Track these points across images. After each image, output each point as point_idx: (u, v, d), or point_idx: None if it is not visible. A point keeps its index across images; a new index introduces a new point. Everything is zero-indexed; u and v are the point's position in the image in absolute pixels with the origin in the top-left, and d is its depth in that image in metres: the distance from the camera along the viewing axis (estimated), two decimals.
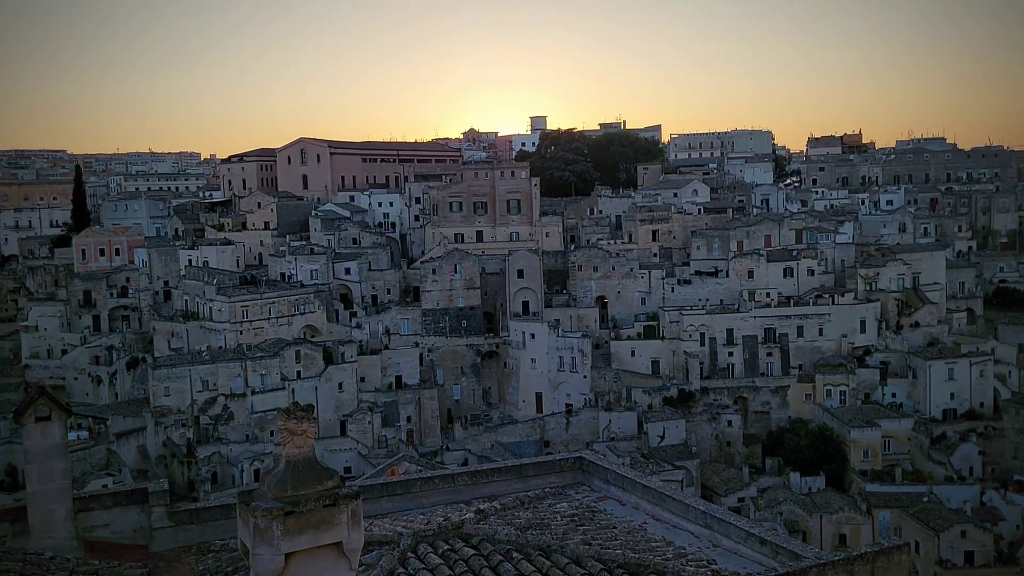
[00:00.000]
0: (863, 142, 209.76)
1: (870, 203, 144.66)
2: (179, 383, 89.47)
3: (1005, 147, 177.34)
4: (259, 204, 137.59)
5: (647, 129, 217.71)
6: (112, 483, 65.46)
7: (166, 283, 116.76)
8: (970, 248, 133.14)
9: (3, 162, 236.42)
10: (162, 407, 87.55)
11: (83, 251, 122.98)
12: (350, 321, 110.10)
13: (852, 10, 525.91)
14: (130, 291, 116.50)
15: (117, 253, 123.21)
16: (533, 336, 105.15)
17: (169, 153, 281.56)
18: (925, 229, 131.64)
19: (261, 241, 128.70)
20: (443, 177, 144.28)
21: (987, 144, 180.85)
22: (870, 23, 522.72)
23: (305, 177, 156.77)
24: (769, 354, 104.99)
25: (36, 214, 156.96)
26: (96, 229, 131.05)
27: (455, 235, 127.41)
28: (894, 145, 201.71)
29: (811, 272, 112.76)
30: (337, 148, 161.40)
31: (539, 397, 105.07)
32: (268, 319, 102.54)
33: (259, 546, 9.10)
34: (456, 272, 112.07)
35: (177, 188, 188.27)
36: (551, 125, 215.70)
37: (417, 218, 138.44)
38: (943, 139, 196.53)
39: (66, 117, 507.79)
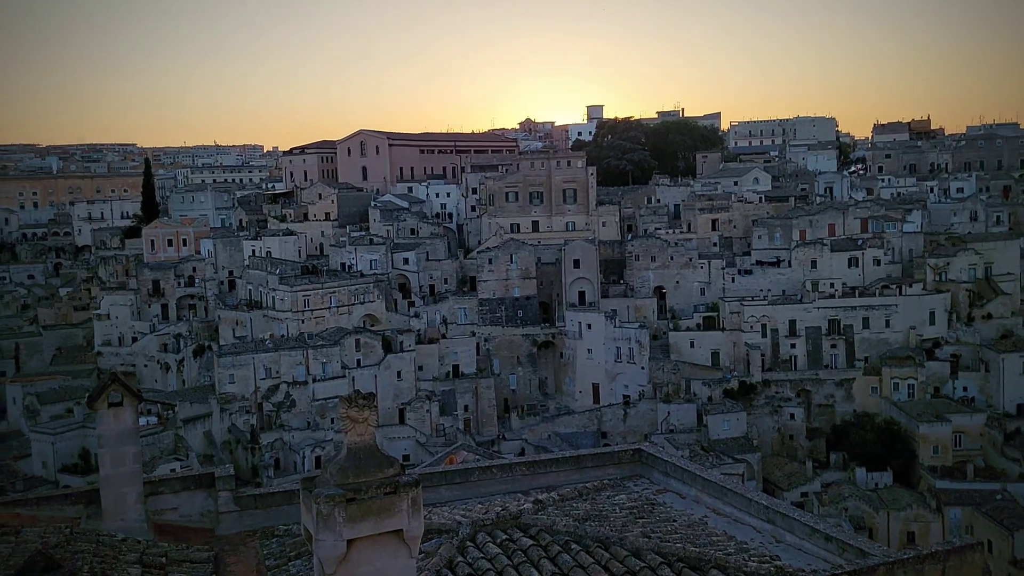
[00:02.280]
0: (932, 128, 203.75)
1: (939, 191, 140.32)
2: (243, 371, 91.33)
3: None
4: (320, 195, 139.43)
5: (706, 117, 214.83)
6: (179, 468, 67.28)
7: (231, 273, 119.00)
8: None
9: (77, 156, 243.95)
10: (227, 394, 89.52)
11: (152, 242, 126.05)
12: (408, 310, 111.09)
13: None
14: (196, 281, 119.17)
15: (184, 244, 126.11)
16: (590, 326, 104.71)
17: (233, 146, 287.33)
18: (997, 217, 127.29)
19: (322, 232, 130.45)
20: (499, 167, 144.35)
21: None
22: (939, 5, 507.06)
23: (364, 168, 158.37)
24: (833, 346, 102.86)
25: (108, 206, 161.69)
26: (164, 220, 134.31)
27: (511, 225, 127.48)
28: (964, 131, 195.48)
29: (877, 262, 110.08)
30: (395, 140, 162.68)
31: (596, 388, 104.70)
32: (329, 308, 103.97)
33: (322, 532, 9.21)
34: (512, 262, 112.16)
35: (241, 180, 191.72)
36: (608, 114, 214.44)
37: (474, 208, 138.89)
38: (1016, 124, 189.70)
39: (136, 112, 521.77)
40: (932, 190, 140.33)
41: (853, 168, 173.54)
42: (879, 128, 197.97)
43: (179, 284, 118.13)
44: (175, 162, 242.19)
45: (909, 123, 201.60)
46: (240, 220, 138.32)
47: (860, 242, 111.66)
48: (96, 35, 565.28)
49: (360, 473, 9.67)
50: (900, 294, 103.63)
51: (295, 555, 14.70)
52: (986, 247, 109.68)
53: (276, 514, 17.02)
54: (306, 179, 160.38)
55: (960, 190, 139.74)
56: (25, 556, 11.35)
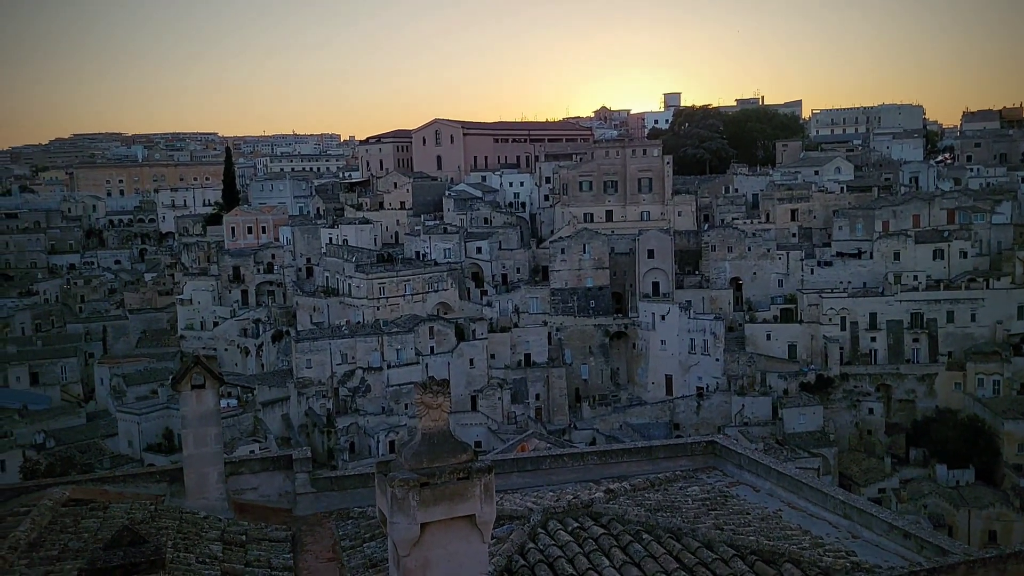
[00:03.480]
0: None
1: None
2: (320, 356, 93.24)
3: None
4: (395, 184, 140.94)
5: (787, 105, 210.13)
6: (258, 449, 69.09)
7: (308, 260, 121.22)
8: None
9: (161, 145, 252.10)
10: (304, 378, 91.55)
11: (232, 229, 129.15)
12: (481, 299, 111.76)
13: None
14: (275, 267, 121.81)
15: (263, 231, 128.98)
16: (663, 317, 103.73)
17: (311, 135, 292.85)
18: None
19: (397, 220, 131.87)
20: (573, 156, 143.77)
21: None
22: None
23: (439, 158, 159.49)
24: (915, 340, 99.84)
25: (190, 193, 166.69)
26: (244, 208, 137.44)
27: (585, 215, 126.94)
28: None
29: (964, 254, 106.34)
30: (470, 129, 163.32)
31: (669, 379, 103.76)
32: (403, 296, 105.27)
33: (396, 515, 9.37)
34: (585, 252, 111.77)
35: (318, 169, 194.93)
36: (685, 102, 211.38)
37: (547, 198, 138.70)
38: None
39: (217, 101, 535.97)
40: (1023, 180, 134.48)
41: (940, 157, 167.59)
42: (968, 116, 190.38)
43: (258, 270, 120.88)
44: (255, 151, 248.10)
45: (1000, 110, 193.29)
46: (317, 208, 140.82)
47: (946, 234, 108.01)
48: (180, 27, 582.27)
49: (434, 458, 9.81)
50: (987, 287, 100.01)
51: (369, 537, 15.02)
52: None
53: (352, 496, 17.42)
54: (382, 168, 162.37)
55: None
56: (112, 531, 11.90)
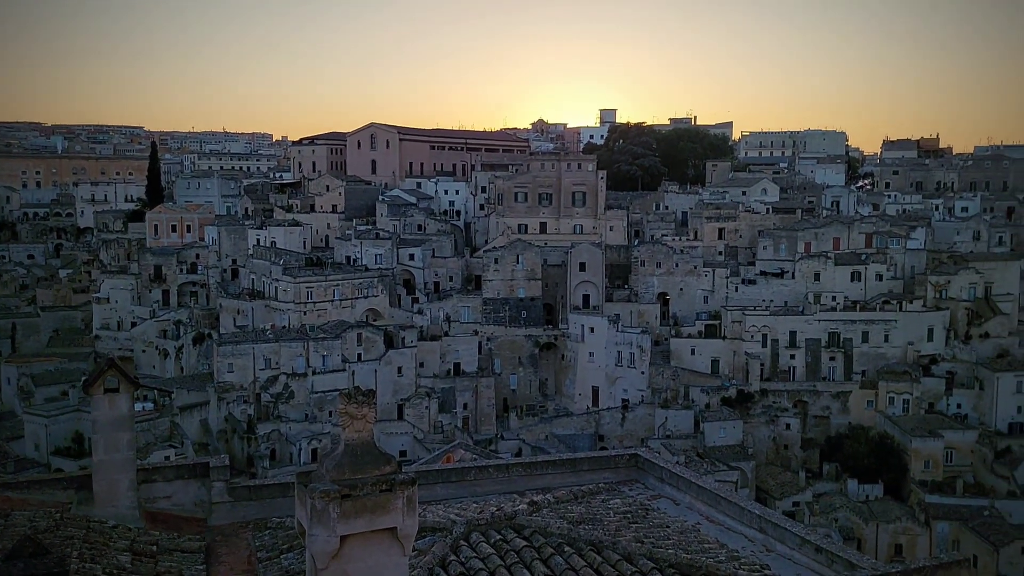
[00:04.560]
0: (940, 147, 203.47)
1: (944, 209, 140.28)
2: (243, 360, 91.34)
3: None
4: (328, 187, 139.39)
5: (718, 126, 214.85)
6: (174, 455, 67.37)
7: (234, 261, 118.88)
8: None
9: (83, 137, 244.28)
10: (225, 383, 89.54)
11: (155, 227, 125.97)
12: (412, 307, 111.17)
13: (932, 12, 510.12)
14: (199, 268, 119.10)
15: (188, 230, 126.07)
16: (592, 330, 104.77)
17: (242, 133, 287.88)
18: (1000, 238, 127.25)
19: (328, 224, 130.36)
20: (510, 167, 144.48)
21: None
22: (951, 26, 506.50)
23: (374, 162, 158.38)
24: (832, 359, 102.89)
25: (112, 188, 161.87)
26: (169, 205, 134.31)
27: (519, 226, 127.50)
28: (972, 151, 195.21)
29: (879, 277, 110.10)
30: (406, 135, 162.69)
31: (595, 391, 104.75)
32: (332, 301, 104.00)
33: (315, 527, 9.25)
34: (518, 262, 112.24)
35: (248, 168, 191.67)
36: (621, 118, 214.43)
37: (482, 207, 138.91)
38: (1023, 147, 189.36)
39: (145, 95, 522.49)
40: (937, 208, 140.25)
41: (861, 183, 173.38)
42: (888, 144, 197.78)
43: (181, 270, 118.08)
44: (182, 147, 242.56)
45: (918, 141, 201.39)
46: (246, 208, 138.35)
47: (864, 257, 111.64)
48: (107, 16, 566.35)
49: (356, 469, 9.72)
50: (900, 310, 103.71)
51: (287, 548, 14.75)
52: (987, 267, 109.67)
53: (270, 506, 17.06)
54: (314, 170, 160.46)
55: (965, 209, 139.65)
56: (13, 540, 11.36)
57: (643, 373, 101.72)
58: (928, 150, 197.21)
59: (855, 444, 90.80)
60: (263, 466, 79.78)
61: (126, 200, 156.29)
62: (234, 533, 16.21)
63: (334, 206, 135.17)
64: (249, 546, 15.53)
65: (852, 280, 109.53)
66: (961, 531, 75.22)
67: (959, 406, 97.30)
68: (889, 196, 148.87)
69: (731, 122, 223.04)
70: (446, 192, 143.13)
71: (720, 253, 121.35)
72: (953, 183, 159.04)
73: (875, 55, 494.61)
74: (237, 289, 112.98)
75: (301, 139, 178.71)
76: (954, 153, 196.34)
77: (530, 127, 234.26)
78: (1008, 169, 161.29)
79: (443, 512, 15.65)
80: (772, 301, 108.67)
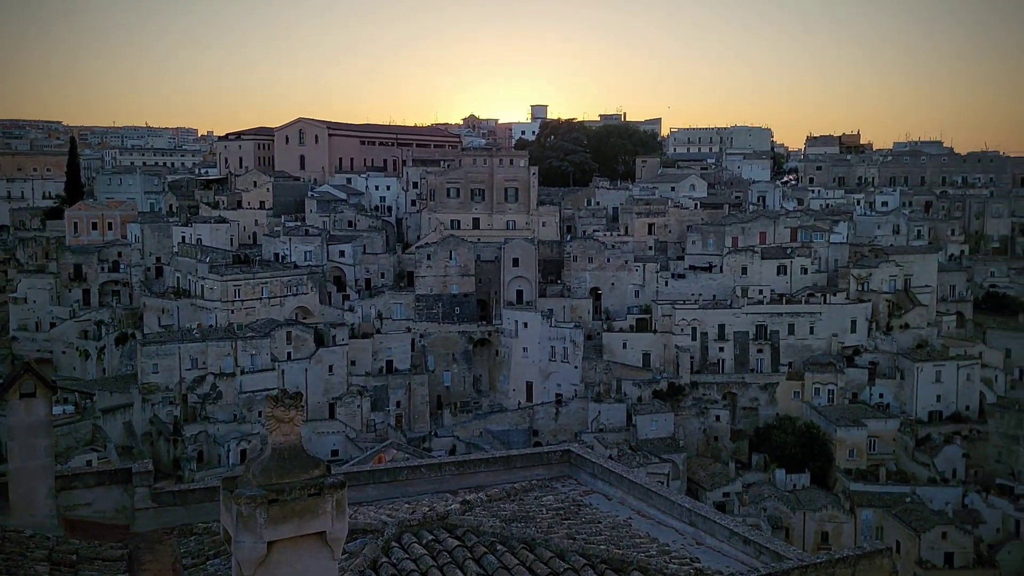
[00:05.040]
0: (861, 143, 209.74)
1: (865, 204, 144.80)
2: (168, 360, 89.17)
3: (1001, 152, 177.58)
4: (255, 183, 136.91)
5: (647, 122, 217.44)
6: (97, 459, 65.43)
7: (158, 259, 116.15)
8: (962, 252, 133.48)
9: None
10: (150, 384, 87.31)
11: (75, 224, 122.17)
12: (343, 304, 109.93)
13: (853, 11, 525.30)
14: (121, 266, 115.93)
15: (110, 227, 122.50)
16: (526, 325, 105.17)
17: (166, 128, 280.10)
18: (919, 232, 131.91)
19: (256, 220, 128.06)
20: (441, 163, 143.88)
21: (983, 149, 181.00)
22: (871, 24, 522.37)
23: (303, 157, 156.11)
24: (759, 351, 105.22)
25: (29, 185, 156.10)
26: (89, 202, 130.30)
27: (451, 221, 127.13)
28: (891, 147, 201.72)
29: (804, 270, 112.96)
30: (336, 130, 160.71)
31: (529, 386, 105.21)
32: (260, 299, 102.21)
33: (241, 533, 9.08)
34: (451, 258, 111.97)
35: (173, 164, 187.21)
36: (552, 114, 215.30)
37: (414, 203, 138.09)
38: (940, 142, 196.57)
39: (63, 88, 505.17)
40: (859, 203, 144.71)
41: (786, 178, 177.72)
42: (811, 140, 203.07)
43: (102, 269, 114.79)
44: (103, 142, 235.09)
45: (840, 137, 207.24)
46: (170, 205, 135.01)
47: (789, 251, 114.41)
48: (22, 7, 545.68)
49: (284, 474, 9.59)
50: (824, 302, 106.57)
51: (214, 554, 14.42)
52: (906, 260, 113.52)
53: (196, 511, 16.66)
54: (241, 166, 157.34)
55: (885, 204, 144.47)
56: None
57: (576, 368, 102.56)
58: (849, 146, 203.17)
59: (782, 434, 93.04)
60: (190, 468, 78.10)
61: (44, 197, 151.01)
62: (158, 540, 15.80)
63: (262, 202, 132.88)
64: (174, 553, 15.14)
65: (778, 274, 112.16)
66: (884, 518, 77.71)
67: (881, 396, 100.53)
68: (813, 191, 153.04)
69: (660, 119, 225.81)
70: (377, 188, 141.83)
71: (650, 248, 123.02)
72: (873, 178, 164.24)
73: (798, 53, 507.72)
74: (161, 288, 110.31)
75: (227, 134, 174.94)
76: (874, 149, 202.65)
77: (462, 122, 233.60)
78: (925, 164, 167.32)
79: (374, 513, 15.50)
80: (701, 295, 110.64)
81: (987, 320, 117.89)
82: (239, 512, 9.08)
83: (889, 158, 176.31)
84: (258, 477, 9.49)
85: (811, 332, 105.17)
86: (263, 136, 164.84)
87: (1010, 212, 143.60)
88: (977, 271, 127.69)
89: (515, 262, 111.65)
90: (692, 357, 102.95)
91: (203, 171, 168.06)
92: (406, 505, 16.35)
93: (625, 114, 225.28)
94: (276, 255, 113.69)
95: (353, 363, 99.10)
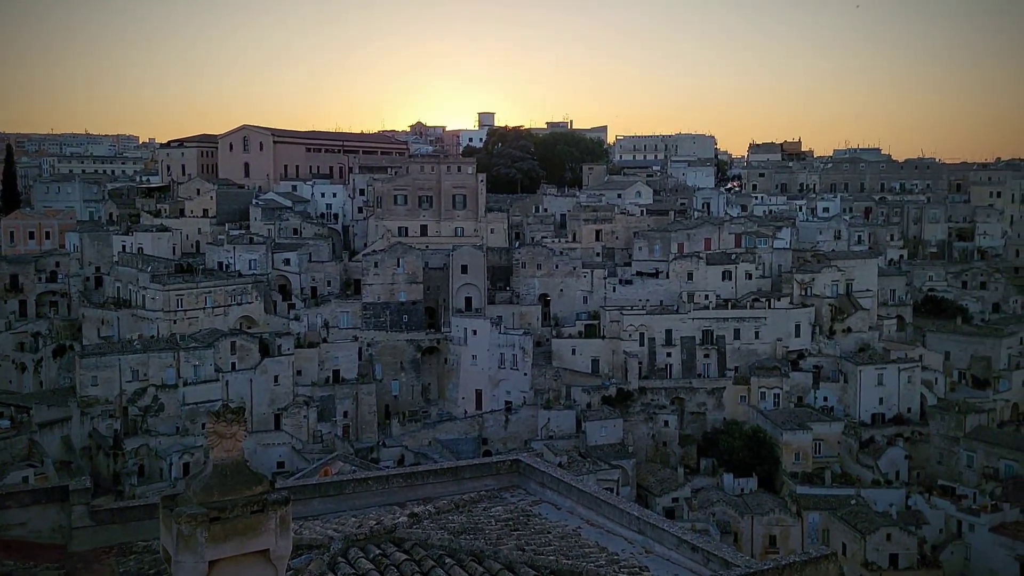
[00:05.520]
0: (802, 150, 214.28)
1: (807, 210, 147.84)
2: (108, 372, 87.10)
3: (937, 159, 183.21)
4: (198, 191, 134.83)
5: (593, 129, 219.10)
6: (34, 475, 63.56)
7: (98, 269, 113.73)
8: (901, 257, 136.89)
9: None
10: (89, 397, 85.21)
11: (11, 233, 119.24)
12: (288, 313, 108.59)
13: (793, 21, 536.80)
14: (60, 276, 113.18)
15: (47, 237, 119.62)
16: (475, 332, 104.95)
17: (106, 136, 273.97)
18: (859, 237, 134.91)
19: (199, 229, 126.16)
20: (388, 170, 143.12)
21: (920, 156, 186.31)
22: (811, 34, 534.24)
23: (247, 165, 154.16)
24: (706, 355, 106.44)
25: None
26: (26, 211, 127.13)
27: (399, 228, 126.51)
28: (832, 154, 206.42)
29: (749, 276, 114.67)
30: (281, 137, 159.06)
31: (479, 394, 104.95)
32: (203, 309, 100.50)
33: (182, 553, 8.87)
34: (399, 266, 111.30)
35: (113, 172, 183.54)
36: (499, 122, 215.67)
37: (360, 210, 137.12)
38: (878, 150, 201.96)
39: None
40: (801, 209, 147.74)
41: (729, 185, 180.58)
42: (754, 148, 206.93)
43: (40, 279, 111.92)
44: (40, 150, 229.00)
45: (782, 144, 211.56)
46: (110, 214, 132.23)
47: (733, 256, 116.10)
48: None
49: (225, 491, 9.42)
50: (769, 307, 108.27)
51: (154, 574, 14.04)
52: (848, 264, 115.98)
53: (136, 529, 16.21)
54: (184, 173, 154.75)
55: (826, 210, 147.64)
56: None
57: (525, 375, 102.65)
58: (791, 153, 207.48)
59: (730, 439, 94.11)
60: (131, 483, 76.33)
61: None
62: (96, 559, 15.34)
63: (205, 210, 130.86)
64: (113, 573, 14.71)
65: (723, 279, 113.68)
66: (830, 520, 78.93)
67: (825, 399, 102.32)
68: (756, 198, 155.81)
69: (606, 126, 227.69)
70: (323, 195, 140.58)
71: (598, 254, 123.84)
72: (815, 185, 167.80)
73: (740, 61, 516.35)
74: (101, 298, 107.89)
75: (170, 141, 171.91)
76: (815, 156, 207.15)
77: (409, 129, 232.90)
78: (865, 171, 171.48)
79: (320, 528, 15.24)
80: (648, 300, 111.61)
81: (926, 323, 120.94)
82: (179, 531, 8.90)
83: (830, 165, 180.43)
84: (199, 494, 9.32)
85: (756, 337, 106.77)
86: (206, 143, 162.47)
87: (946, 217, 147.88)
88: (916, 275, 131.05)
89: (463, 269, 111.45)
90: (640, 363, 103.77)
91: (144, 179, 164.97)
92: (353, 519, 16.12)
93: (572, 121, 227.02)
94: (220, 264, 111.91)
95: (299, 373, 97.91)
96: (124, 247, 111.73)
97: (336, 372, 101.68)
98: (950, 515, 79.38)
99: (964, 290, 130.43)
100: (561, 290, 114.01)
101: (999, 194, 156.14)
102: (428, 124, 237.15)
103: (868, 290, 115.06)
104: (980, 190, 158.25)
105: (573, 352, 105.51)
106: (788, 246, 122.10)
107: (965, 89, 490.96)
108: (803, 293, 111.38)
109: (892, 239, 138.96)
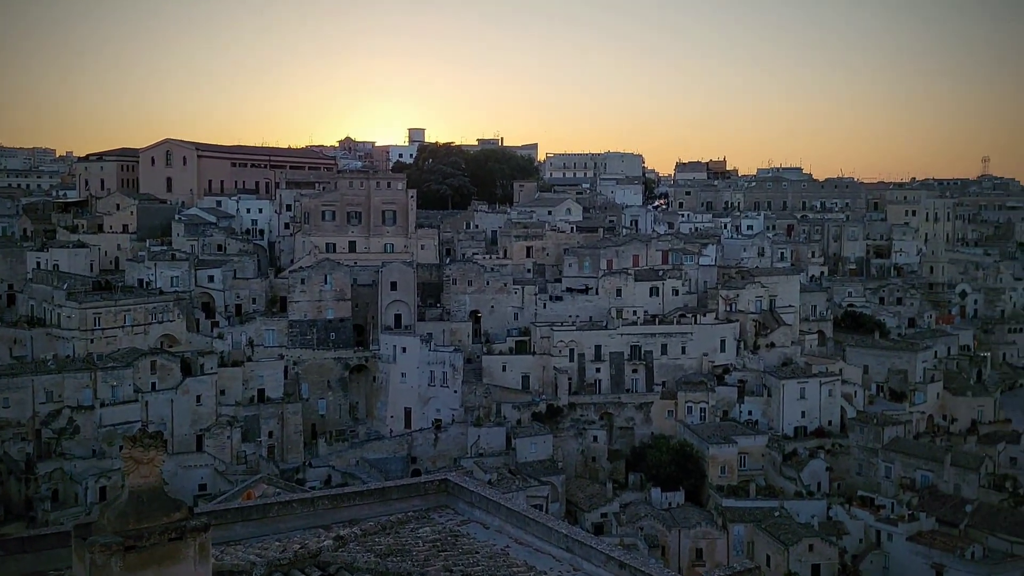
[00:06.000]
0: (727, 169, 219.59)
1: (732, 227, 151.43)
2: (20, 393, 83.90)
3: (856, 179, 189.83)
4: (118, 206, 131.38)
5: (524, 147, 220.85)
6: None
7: (10, 286, 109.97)
8: (822, 273, 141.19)
9: None
10: (0, 419, 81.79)
11: None
12: (212, 331, 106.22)
13: (716, 42, 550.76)
14: None
15: None
16: (404, 350, 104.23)
17: (21, 148, 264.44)
18: (782, 254, 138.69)
19: (119, 245, 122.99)
20: (316, 185, 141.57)
21: (839, 175, 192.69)
22: (734, 55, 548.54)
23: (169, 180, 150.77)
24: (634, 371, 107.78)
25: None
26: None
27: (327, 245, 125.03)
28: (755, 173, 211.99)
29: (676, 292, 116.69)
30: (205, 151, 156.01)
31: (408, 412, 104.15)
32: (122, 327, 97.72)
33: None
34: (326, 283, 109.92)
35: (28, 186, 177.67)
36: (429, 138, 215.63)
37: (287, 226, 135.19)
38: (800, 169, 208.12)
39: None
40: (726, 226, 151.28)
41: (657, 203, 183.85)
42: (681, 166, 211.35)
43: None
44: None
45: (708, 163, 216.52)
46: (24, 229, 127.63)
47: (661, 273, 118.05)
48: None
49: (142, 518, 9.14)
50: (695, 323, 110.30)
51: None
52: (771, 281, 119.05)
53: (47, 558, 15.51)
54: (103, 188, 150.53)
55: (750, 227, 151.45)
56: None
57: (456, 392, 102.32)
58: (717, 172, 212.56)
59: (658, 453, 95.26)
60: (44, 509, 73.37)
61: None
62: None
63: (125, 226, 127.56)
64: None
65: (651, 295, 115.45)
66: (755, 533, 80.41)
67: (750, 413, 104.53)
68: (683, 215, 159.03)
69: (536, 143, 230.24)
70: (248, 211, 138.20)
71: (529, 271, 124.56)
72: (739, 203, 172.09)
73: (667, 81, 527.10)
74: (13, 316, 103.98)
75: (88, 155, 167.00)
76: (739, 175, 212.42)
77: (337, 145, 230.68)
78: (787, 190, 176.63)
79: (243, 553, 14.84)
80: (578, 316, 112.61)
81: (846, 338, 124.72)
82: (92, 561, 8.62)
83: (753, 184, 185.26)
84: (114, 522, 9.05)
85: (683, 352, 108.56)
86: (127, 157, 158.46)
87: (864, 235, 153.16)
88: (836, 291, 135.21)
89: (393, 286, 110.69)
90: (570, 378, 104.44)
91: (61, 193, 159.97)
92: (276, 543, 15.74)
93: (502, 139, 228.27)
94: (140, 281, 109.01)
95: (223, 392, 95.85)
96: (39, 263, 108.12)
97: (261, 391, 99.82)
98: (869, 525, 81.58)
99: (881, 305, 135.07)
100: (492, 307, 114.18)
101: (914, 212, 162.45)
102: (357, 139, 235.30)
103: (790, 306, 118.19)
104: (896, 209, 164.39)
105: (504, 369, 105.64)
106: (713, 263, 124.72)
107: (882, 110, 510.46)
108: (728, 309, 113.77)
109: (813, 256, 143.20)
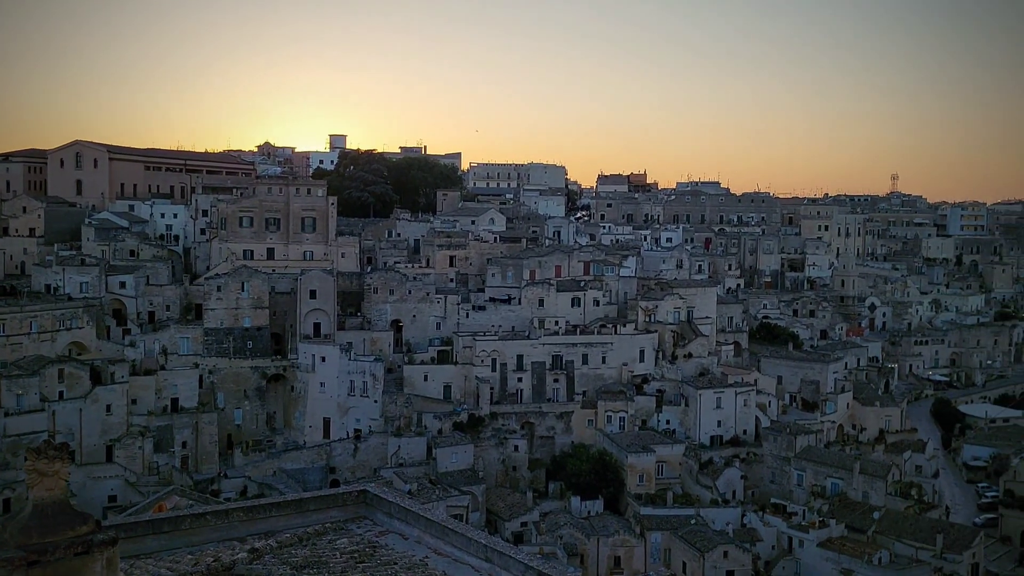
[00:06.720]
0: (647, 182, 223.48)
1: (651, 239, 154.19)
2: None
3: (771, 194, 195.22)
4: (24, 208, 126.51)
5: (447, 156, 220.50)
6: None
7: None
8: (738, 285, 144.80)
9: None
10: None
11: None
12: (123, 339, 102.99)
13: (639, 55, 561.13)
14: None
15: None
16: (323, 359, 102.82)
17: None
18: (700, 266, 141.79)
19: (25, 249, 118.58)
20: (234, 190, 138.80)
21: (756, 190, 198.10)
22: (656, 69, 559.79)
23: (79, 182, 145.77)
24: (556, 380, 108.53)
25: None
26: None
27: (244, 251, 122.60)
28: (675, 187, 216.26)
29: (597, 303, 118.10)
30: (117, 153, 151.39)
31: (327, 422, 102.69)
32: (28, 334, 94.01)
33: None
34: (243, 290, 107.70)
35: None
36: (351, 144, 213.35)
37: (203, 232, 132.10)
38: (718, 183, 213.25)
39: None
40: (646, 238, 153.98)
41: (579, 214, 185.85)
42: (603, 179, 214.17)
43: None
44: None
45: (629, 176, 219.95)
46: None
47: (582, 284, 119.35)
48: None
49: (46, 532, 8.86)
50: (615, 333, 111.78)
51: None
52: (689, 292, 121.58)
53: None
54: (8, 190, 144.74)
55: (669, 240, 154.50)
56: None
57: (376, 402, 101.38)
58: (637, 185, 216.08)
59: (577, 462, 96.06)
60: None
61: None
62: None
63: (32, 229, 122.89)
64: None
65: (573, 305, 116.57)
66: (672, 540, 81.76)
67: (668, 422, 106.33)
68: (604, 227, 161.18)
69: (460, 153, 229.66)
70: (163, 215, 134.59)
71: (451, 280, 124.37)
72: (659, 216, 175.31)
73: (590, 94, 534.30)
74: None
75: None
76: (659, 188, 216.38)
77: (256, 149, 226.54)
78: (705, 204, 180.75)
79: (153, 567, 14.45)
80: (501, 326, 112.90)
81: (761, 349, 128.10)
82: None
83: (673, 197, 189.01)
84: (16, 537, 8.75)
85: (603, 362, 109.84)
86: (34, 158, 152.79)
87: (779, 249, 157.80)
88: (751, 303, 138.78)
89: (312, 294, 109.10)
90: (492, 388, 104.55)
91: None
92: (189, 556, 15.36)
93: (426, 147, 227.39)
94: (48, 287, 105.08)
95: (134, 402, 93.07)
96: None
97: (175, 400, 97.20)
98: (782, 532, 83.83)
99: (795, 317, 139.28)
100: (414, 316, 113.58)
101: (827, 227, 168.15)
102: (277, 144, 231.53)
103: (708, 317, 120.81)
104: (810, 223, 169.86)
105: (425, 378, 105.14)
106: (634, 274, 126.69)
107: (798, 127, 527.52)
108: (647, 320, 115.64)
109: (730, 268, 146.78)
